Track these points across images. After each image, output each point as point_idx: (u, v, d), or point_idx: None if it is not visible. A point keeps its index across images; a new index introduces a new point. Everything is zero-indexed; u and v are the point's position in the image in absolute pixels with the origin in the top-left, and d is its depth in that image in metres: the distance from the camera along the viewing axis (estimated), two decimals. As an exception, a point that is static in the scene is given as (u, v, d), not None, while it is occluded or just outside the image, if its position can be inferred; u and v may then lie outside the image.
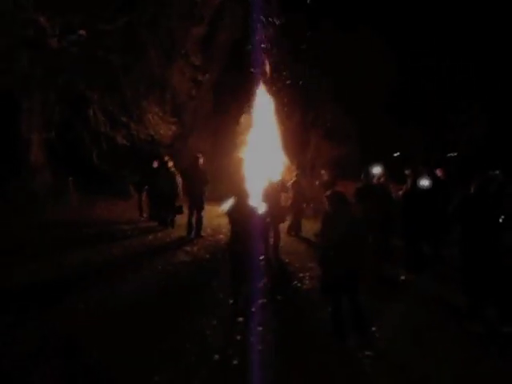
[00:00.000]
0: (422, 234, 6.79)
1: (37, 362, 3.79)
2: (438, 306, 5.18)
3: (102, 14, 10.45)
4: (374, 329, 4.46)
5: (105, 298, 5.31)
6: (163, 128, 13.64)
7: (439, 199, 6.82)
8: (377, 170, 7.62)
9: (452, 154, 18.73)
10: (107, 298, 5.29)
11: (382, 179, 7.44)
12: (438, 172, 7.55)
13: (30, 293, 5.42)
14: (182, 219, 10.29)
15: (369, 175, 7.65)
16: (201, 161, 9.01)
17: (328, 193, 4.43)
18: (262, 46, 10.28)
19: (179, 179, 9.59)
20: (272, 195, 7.31)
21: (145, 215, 10.94)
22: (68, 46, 10.54)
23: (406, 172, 7.07)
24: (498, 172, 7.94)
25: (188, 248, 7.94)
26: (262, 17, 10.27)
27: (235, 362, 3.80)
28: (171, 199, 9.56)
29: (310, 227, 9.41)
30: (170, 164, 9.69)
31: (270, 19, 10.46)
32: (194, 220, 8.94)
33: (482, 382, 3.52)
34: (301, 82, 13.99)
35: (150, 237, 8.88)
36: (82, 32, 10.27)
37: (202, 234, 9.04)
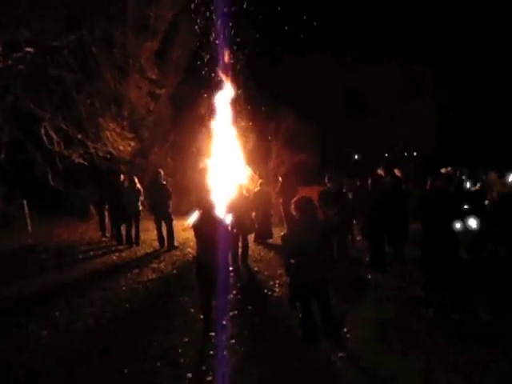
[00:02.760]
0: (384, 233, 7.01)
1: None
2: (401, 302, 5.33)
3: (50, 29, 10.10)
4: (345, 330, 4.53)
5: (68, 323, 5.07)
6: (122, 144, 13.31)
7: (398, 198, 7.11)
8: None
9: (406, 154, 19.65)
10: (71, 323, 5.05)
11: (342, 181, 7.66)
12: (397, 172, 7.86)
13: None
14: (146, 235, 10.05)
15: (331, 179, 7.80)
16: (162, 176, 9.00)
17: (295, 198, 4.45)
18: (219, 56, 10.35)
19: (141, 196, 9.42)
20: (239, 205, 7.31)
21: (108, 235, 10.57)
22: (14, 64, 10.08)
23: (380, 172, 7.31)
24: (450, 169, 8.42)
25: (155, 265, 7.74)
26: (218, 28, 10.35)
27: (209, 378, 3.72)
28: (135, 216, 9.34)
29: (277, 235, 9.47)
30: (136, 181, 9.48)
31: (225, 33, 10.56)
32: (164, 232, 8.99)
33: (448, 372, 3.65)
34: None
35: (114, 257, 8.58)
36: (28, 49, 9.87)
37: (176, 244, 9.01)
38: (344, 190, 7.62)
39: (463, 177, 7.88)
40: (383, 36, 19.38)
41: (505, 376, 3.55)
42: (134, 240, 9.48)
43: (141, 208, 9.47)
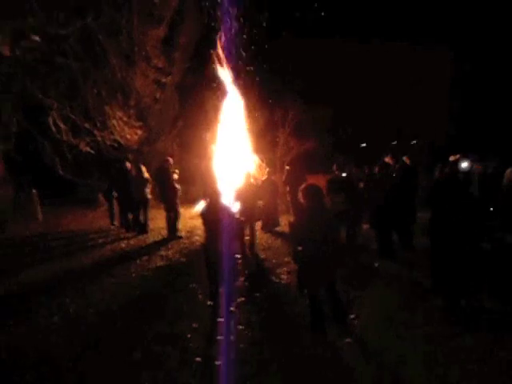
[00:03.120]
0: (392, 221, 6.98)
1: (10, 378, 3.63)
2: (409, 290, 5.34)
3: (56, 18, 10.05)
4: (352, 316, 4.55)
5: (79, 308, 5.17)
6: (129, 133, 13.33)
7: (407, 186, 7.05)
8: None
9: (415, 142, 19.39)
10: (82, 309, 5.14)
11: (351, 170, 7.60)
12: (406, 160, 7.78)
13: (1, 308, 5.23)
14: (154, 224, 10.13)
15: (340, 167, 7.75)
16: (171, 164, 9.01)
17: (303, 186, 4.43)
18: (226, 44, 10.23)
19: (150, 184, 9.46)
20: (246, 193, 7.31)
21: (116, 223, 10.67)
22: (20, 53, 10.08)
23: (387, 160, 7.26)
24: (458, 156, 8.30)
25: (163, 252, 7.82)
26: (225, 17, 10.20)
27: (217, 362, 3.77)
28: (144, 204, 9.40)
29: (284, 223, 9.49)
30: (143, 169, 9.50)
31: (233, 19, 10.41)
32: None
33: (452, 357, 3.66)
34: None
35: (123, 244, 8.67)
36: (35, 38, 9.84)
37: (179, 234, 8.98)
38: (353, 180, 7.57)
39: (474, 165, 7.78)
40: (396, 18, 18.91)
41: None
42: (143, 228, 9.55)
43: (150, 196, 9.51)
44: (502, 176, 6.43)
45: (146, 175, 9.43)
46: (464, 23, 18.67)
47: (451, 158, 8.34)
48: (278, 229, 9.38)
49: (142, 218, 9.57)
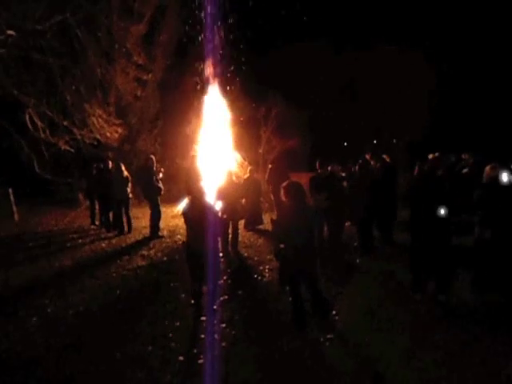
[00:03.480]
0: (372, 218, 7.10)
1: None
2: (389, 285, 5.45)
3: (33, 12, 9.78)
4: (333, 312, 4.62)
5: (58, 309, 5.07)
6: (109, 131, 13.12)
7: (387, 184, 7.19)
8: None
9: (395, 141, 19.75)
10: (61, 310, 5.05)
11: (333, 168, 7.66)
12: (386, 158, 7.92)
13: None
14: (135, 223, 10.00)
15: (322, 165, 7.79)
16: (154, 162, 8.90)
17: (285, 183, 4.44)
18: (207, 41, 10.20)
19: (130, 183, 9.31)
20: (228, 191, 7.31)
21: (97, 223, 10.49)
22: (-5, 48, 9.79)
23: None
24: (437, 154, 8.50)
25: (145, 252, 7.73)
26: (206, 14, 10.15)
27: (200, 361, 3.77)
28: (125, 203, 9.26)
29: (267, 221, 9.51)
30: (123, 167, 9.34)
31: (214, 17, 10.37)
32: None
33: (431, 352, 3.76)
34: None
35: (103, 244, 8.53)
36: (10, 32, 9.55)
37: (160, 233, 8.91)
38: (336, 178, 7.63)
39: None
40: (373, 21, 19.28)
41: (489, 353, 3.67)
42: (126, 227, 9.43)
43: (130, 195, 9.38)
44: (477, 172, 6.62)
45: (126, 174, 9.28)
46: (439, 24, 19.15)
47: (430, 156, 8.54)
48: (260, 227, 9.41)
49: (124, 217, 9.42)
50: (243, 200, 8.10)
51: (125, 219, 9.41)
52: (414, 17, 19.63)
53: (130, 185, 9.27)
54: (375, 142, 20.70)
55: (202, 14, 10.26)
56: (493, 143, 14.38)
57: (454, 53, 19.33)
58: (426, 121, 17.88)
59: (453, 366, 3.52)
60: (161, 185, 8.85)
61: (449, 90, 18.89)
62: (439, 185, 4.91)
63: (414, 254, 5.10)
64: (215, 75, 10.16)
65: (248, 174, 9.25)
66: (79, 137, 12.74)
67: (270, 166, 10.78)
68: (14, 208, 11.78)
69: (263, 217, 9.67)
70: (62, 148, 12.57)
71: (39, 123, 11.84)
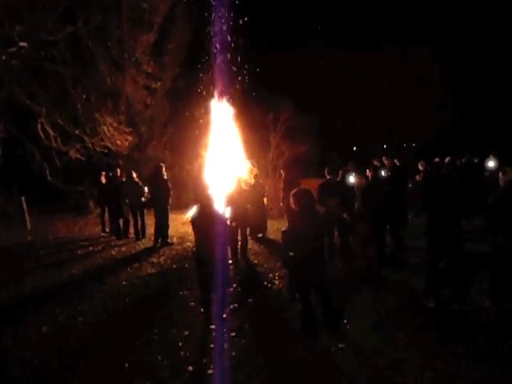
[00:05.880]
0: (385, 224, 6.98)
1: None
2: (402, 293, 5.33)
3: (45, 23, 9.98)
4: (345, 321, 4.53)
5: (69, 318, 5.07)
6: (119, 139, 13.25)
7: (399, 189, 7.09)
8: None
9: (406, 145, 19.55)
10: (71, 319, 5.04)
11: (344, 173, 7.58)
12: (396, 162, 7.84)
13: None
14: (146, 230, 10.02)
15: (333, 171, 7.71)
16: (163, 169, 8.91)
17: (294, 191, 4.40)
18: (217, 49, 10.22)
19: (145, 190, 9.31)
20: (237, 198, 7.27)
21: (107, 230, 10.55)
22: (8, 59, 9.97)
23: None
24: (448, 158, 8.38)
25: (154, 259, 7.73)
26: (216, 21, 10.19)
27: (210, 371, 3.72)
28: (140, 210, 9.30)
29: (276, 227, 9.46)
30: (134, 175, 9.38)
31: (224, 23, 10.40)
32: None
33: (447, 361, 3.65)
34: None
35: (113, 252, 8.57)
36: (23, 44, 9.75)
37: (169, 241, 8.90)
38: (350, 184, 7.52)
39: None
40: (381, 23, 19.21)
41: (506, 364, 3.55)
42: (140, 233, 9.48)
43: (143, 200, 9.37)
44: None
45: (138, 181, 9.32)
46: (447, 23, 18.97)
47: (436, 160, 8.44)
48: (268, 234, 9.33)
49: (139, 223, 9.45)
50: (249, 206, 8.05)
51: (139, 225, 9.45)
52: (421, 17, 19.54)
53: (144, 192, 9.24)
54: (385, 146, 20.54)
55: (211, 20, 10.32)
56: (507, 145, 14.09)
57: (462, 52, 19.12)
58: (436, 122, 17.69)
59: (468, 377, 3.41)
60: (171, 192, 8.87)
61: (459, 90, 18.65)
62: (457, 190, 4.81)
63: (428, 261, 4.98)
64: (224, 82, 10.18)
65: (253, 180, 9.14)
66: (90, 145, 12.90)
67: (282, 172, 10.62)
68: (27, 216, 11.92)
69: (269, 224, 9.54)
70: (74, 156, 12.73)
71: (51, 132, 12.02)
